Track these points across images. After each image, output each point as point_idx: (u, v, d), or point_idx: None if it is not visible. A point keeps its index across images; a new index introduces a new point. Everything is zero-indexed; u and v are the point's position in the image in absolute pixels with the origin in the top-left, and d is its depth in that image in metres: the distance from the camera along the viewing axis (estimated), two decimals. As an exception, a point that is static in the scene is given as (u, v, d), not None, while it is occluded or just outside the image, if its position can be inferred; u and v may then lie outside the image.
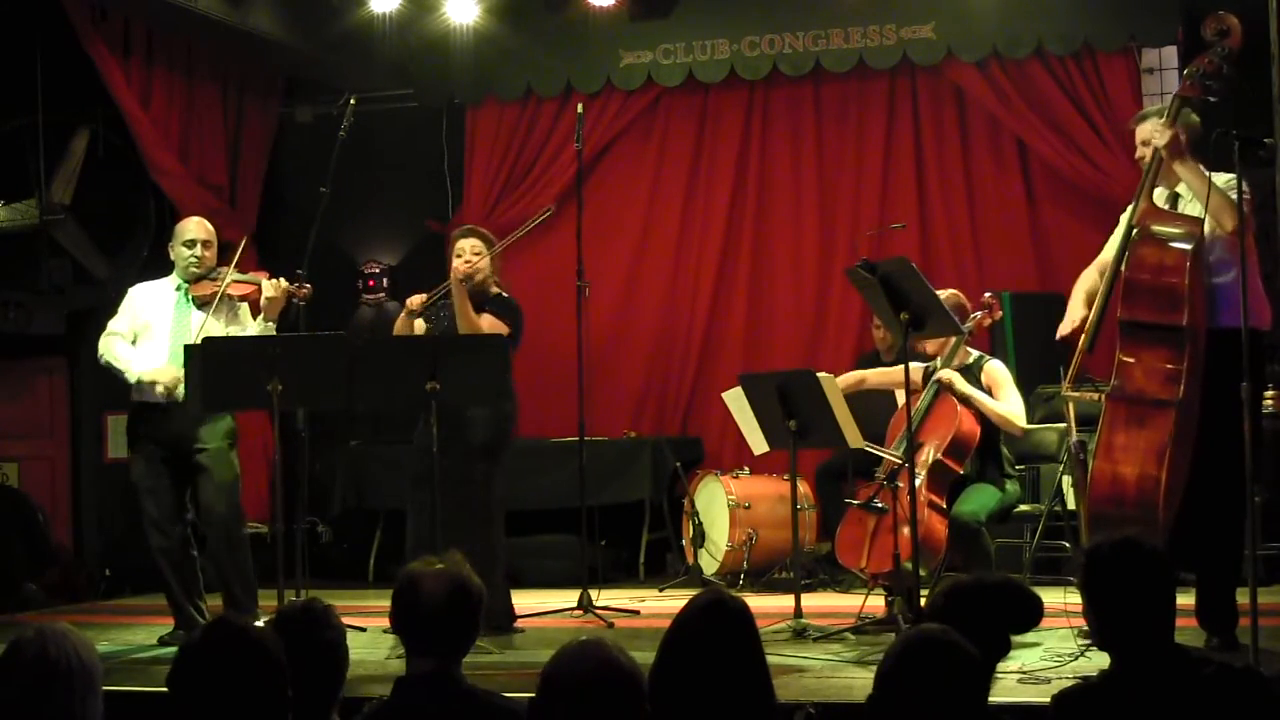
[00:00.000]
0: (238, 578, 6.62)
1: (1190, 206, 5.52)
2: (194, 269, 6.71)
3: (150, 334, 6.68)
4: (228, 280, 6.64)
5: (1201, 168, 5.44)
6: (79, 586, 9.37)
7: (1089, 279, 5.83)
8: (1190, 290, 5.32)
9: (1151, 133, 5.57)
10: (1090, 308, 5.66)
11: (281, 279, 6.63)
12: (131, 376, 6.59)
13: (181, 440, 6.58)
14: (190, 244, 6.73)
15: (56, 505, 9.95)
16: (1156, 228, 5.45)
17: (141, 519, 6.64)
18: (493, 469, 6.64)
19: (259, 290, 6.63)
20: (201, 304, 6.66)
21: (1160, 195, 5.65)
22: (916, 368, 6.65)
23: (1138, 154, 5.72)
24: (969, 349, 6.75)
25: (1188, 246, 5.35)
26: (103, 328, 6.81)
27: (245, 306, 6.75)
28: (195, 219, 6.96)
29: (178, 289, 6.74)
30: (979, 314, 6.78)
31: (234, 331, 6.65)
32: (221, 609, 6.47)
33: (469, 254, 6.69)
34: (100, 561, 9.80)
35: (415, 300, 6.70)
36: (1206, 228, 5.34)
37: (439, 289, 6.69)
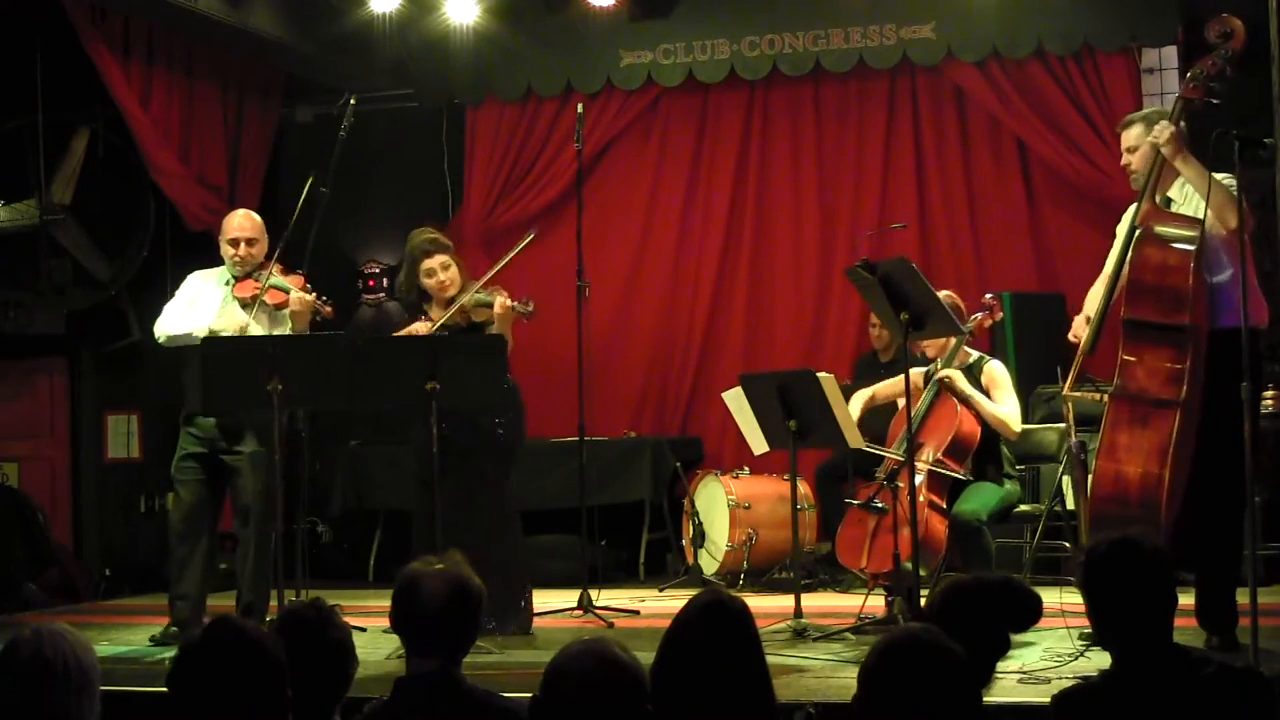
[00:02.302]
0: (257, 580, 6.60)
1: (1184, 209, 5.52)
2: (239, 267, 6.72)
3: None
4: (266, 286, 6.63)
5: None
6: (79, 586, 9.36)
7: (1096, 295, 5.83)
8: (1193, 290, 5.33)
9: (1138, 139, 5.60)
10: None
11: (309, 294, 6.60)
12: (202, 331, 6.56)
13: (224, 439, 6.57)
14: (234, 243, 6.74)
15: (56, 505, 9.95)
16: (1160, 229, 5.46)
17: (166, 516, 6.61)
18: (509, 470, 6.63)
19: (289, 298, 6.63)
20: (244, 304, 6.67)
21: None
22: (918, 372, 6.66)
23: (1123, 160, 5.73)
24: (968, 350, 6.76)
25: (1191, 247, 5.36)
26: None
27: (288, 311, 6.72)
28: (240, 214, 6.92)
29: (226, 284, 6.76)
30: (979, 315, 6.79)
31: (278, 334, 6.62)
32: (222, 610, 6.46)
33: (440, 272, 6.52)
34: (100, 561, 9.80)
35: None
36: (1206, 227, 5.35)
37: (439, 324, 6.56)
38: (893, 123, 9.42)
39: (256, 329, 6.60)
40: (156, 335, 6.81)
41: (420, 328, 6.56)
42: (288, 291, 6.64)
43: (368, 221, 10.26)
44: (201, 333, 6.57)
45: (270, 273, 6.65)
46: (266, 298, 6.64)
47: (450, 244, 6.76)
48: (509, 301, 6.41)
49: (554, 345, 9.05)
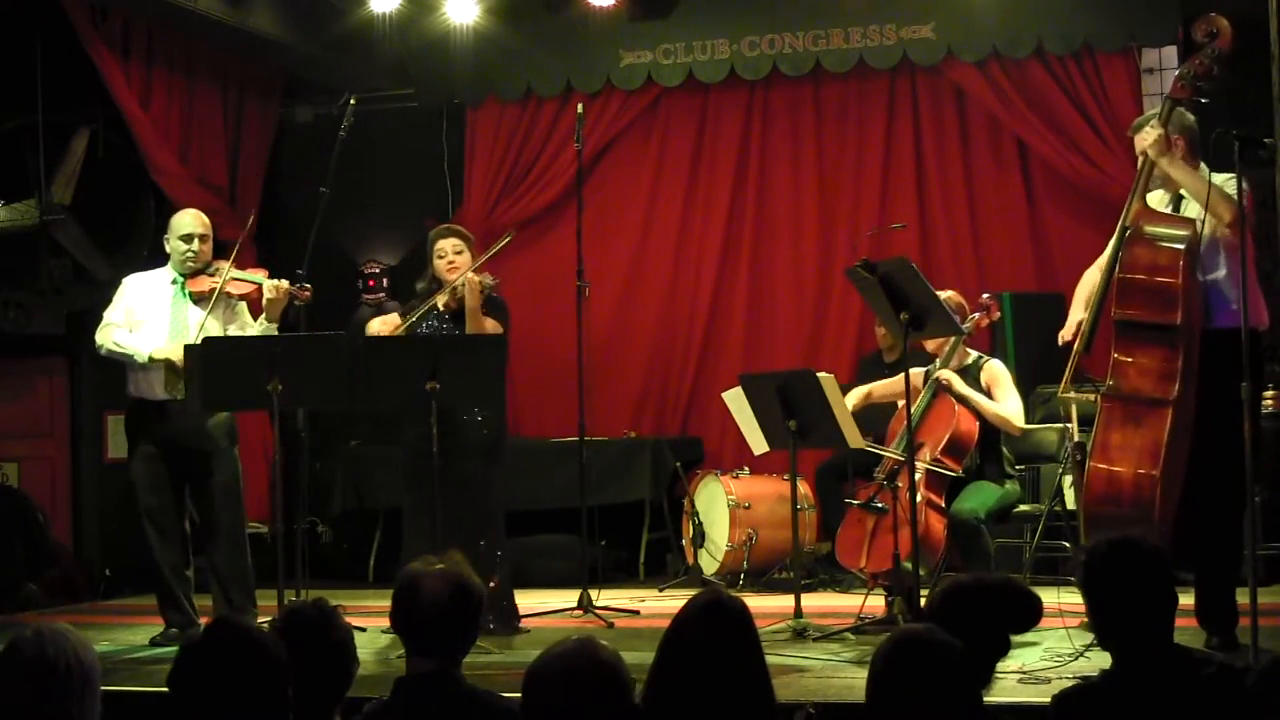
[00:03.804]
0: (238, 578, 6.62)
1: (1192, 209, 5.52)
2: (190, 264, 6.68)
3: (146, 328, 6.62)
4: (226, 277, 6.60)
5: (1200, 165, 5.45)
6: (79, 586, 9.36)
7: (1089, 281, 5.85)
8: (1184, 289, 5.34)
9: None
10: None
11: (283, 280, 6.60)
12: (142, 356, 6.52)
13: (180, 439, 6.56)
14: (187, 238, 6.69)
15: (56, 505, 9.94)
16: (1150, 228, 5.48)
17: (140, 519, 6.63)
18: (493, 469, 6.64)
19: (258, 290, 6.60)
20: (198, 299, 6.63)
21: (1162, 199, 5.67)
22: (918, 371, 6.67)
23: (1140, 164, 5.73)
24: (968, 349, 6.77)
25: (1180, 247, 5.38)
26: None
27: (244, 305, 6.70)
28: (191, 212, 6.90)
29: (174, 282, 6.70)
30: (977, 314, 6.80)
31: (234, 331, 6.62)
32: (211, 610, 6.46)
33: (451, 254, 6.65)
34: (100, 561, 9.79)
35: (393, 321, 6.66)
36: (1206, 227, 5.36)
37: (427, 303, 6.63)
38: (893, 123, 9.42)
39: (213, 324, 6.55)
40: (97, 343, 6.67)
41: (389, 321, 6.64)
42: (257, 283, 6.61)
43: (368, 221, 10.25)
44: (143, 357, 6.50)
45: (229, 266, 6.62)
46: (230, 289, 6.59)
47: (470, 236, 6.84)
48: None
49: (554, 345, 9.06)
